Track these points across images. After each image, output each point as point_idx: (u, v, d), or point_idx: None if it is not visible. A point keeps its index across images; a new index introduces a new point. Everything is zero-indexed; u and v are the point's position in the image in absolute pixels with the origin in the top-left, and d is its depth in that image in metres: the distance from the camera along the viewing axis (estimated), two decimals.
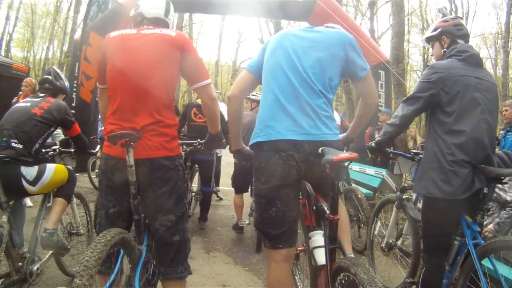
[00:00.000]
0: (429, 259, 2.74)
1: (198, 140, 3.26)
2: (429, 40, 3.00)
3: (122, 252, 2.05)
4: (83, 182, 7.86)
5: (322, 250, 2.20)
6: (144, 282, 2.20)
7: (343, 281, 1.93)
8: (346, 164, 1.99)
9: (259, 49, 2.52)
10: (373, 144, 3.10)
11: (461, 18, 3.07)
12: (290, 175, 2.22)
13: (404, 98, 2.88)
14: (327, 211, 2.12)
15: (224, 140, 2.75)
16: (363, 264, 1.82)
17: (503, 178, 2.55)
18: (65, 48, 28.42)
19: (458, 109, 2.56)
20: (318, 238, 2.28)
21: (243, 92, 2.52)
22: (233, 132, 2.72)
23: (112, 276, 1.96)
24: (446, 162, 2.53)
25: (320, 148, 2.07)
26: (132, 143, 2.10)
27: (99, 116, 7.36)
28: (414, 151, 3.77)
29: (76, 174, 6.47)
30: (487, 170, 2.50)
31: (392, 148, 6.82)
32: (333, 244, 2.10)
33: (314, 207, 2.35)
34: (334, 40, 2.37)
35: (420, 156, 3.29)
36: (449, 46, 2.83)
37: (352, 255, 2.23)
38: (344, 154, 1.94)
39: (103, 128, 7.03)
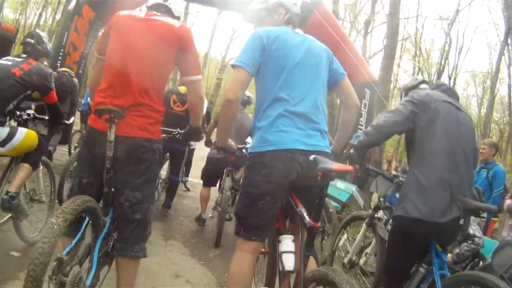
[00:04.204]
0: (389, 281, 2.75)
1: (178, 129, 3.28)
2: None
3: (87, 219, 2.12)
4: (57, 154, 7.66)
5: (292, 256, 2.21)
6: (103, 254, 2.27)
7: None
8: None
9: (253, 43, 2.34)
10: (351, 151, 2.92)
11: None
12: (291, 176, 2.23)
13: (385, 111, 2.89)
14: (307, 218, 2.11)
15: (202, 134, 2.85)
16: (347, 278, 1.84)
17: (481, 212, 2.59)
18: (58, 17, 27.93)
19: (438, 131, 2.59)
20: (288, 242, 2.29)
21: (243, 92, 2.39)
22: (224, 132, 2.65)
23: (74, 241, 2.01)
24: (426, 182, 2.53)
25: (312, 156, 2.09)
26: (116, 120, 2.17)
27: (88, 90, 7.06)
28: (394, 173, 3.82)
29: (57, 146, 6.34)
30: (466, 202, 2.51)
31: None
32: (309, 251, 2.09)
33: (289, 213, 2.41)
34: (321, 51, 2.48)
35: (399, 179, 3.33)
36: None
37: None
38: (342, 166, 2.05)
39: (88, 101, 6.84)
